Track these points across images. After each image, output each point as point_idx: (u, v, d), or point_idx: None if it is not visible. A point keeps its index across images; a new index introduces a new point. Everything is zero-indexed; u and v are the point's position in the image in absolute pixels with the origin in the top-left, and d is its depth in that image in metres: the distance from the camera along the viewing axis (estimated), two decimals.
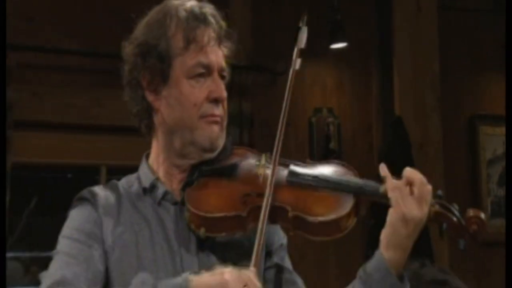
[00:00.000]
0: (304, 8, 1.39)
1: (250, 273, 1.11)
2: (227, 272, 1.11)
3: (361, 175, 3.25)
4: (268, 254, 1.35)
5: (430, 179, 2.98)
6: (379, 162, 3.04)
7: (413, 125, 3.62)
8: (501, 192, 3.92)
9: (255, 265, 1.14)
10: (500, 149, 3.95)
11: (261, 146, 3.36)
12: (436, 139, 3.64)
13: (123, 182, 1.39)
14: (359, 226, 2.97)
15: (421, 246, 3.34)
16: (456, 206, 1.19)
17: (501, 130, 3.71)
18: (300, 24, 1.31)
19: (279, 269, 1.36)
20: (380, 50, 3.85)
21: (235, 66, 3.17)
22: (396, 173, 3.05)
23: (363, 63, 3.86)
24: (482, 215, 1.20)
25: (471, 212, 1.20)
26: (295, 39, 1.33)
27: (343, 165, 1.31)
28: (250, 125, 3.66)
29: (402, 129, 3.54)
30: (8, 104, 2.73)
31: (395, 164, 2.99)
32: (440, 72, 3.72)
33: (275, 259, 1.35)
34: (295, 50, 1.32)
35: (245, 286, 1.09)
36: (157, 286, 1.19)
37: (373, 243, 1.45)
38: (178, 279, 1.17)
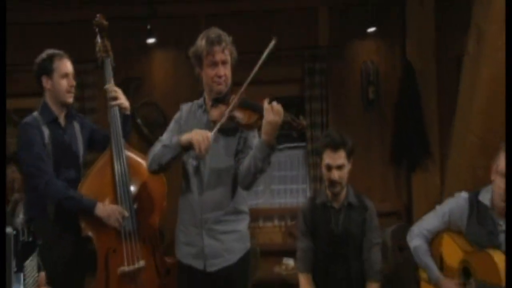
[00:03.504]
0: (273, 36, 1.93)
1: (208, 133, 1.90)
2: (196, 130, 1.94)
3: (389, 94, 4.43)
4: (243, 135, 2.06)
5: (429, 96, 4.21)
6: (399, 88, 4.31)
7: (417, 64, 4.16)
8: None
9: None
10: None
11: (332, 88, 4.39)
12: (432, 70, 4.13)
13: (196, 101, 2.20)
14: None
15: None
16: (300, 118, 1.87)
17: None
18: (270, 46, 1.95)
19: (245, 139, 2.07)
20: (399, 27, 4.33)
21: (320, 46, 4.39)
22: (405, 84, 4.22)
23: (389, 35, 4.39)
24: (304, 122, 1.86)
25: (298, 120, 1.84)
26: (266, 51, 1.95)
27: (267, 103, 1.84)
28: (326, 77, 4.35)
29: (411, 68, 4.16)
30: None
31: (407, 87, 4.22)
32: (436, 35, 4.11)
33: (244, 134, 2.07)
34: (265, 54, 1.95)
35: (202, 137, 1.86)
36: (172, 139, 2.06)
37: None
38: (176, 137, 2.02)
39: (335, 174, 2.21)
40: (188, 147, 1.98)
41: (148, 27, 4.26)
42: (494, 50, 2.74)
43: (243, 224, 2.16)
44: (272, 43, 1.91)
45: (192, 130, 2.05)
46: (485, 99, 2.85)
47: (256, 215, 4.25)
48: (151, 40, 4.35)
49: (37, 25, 4.41)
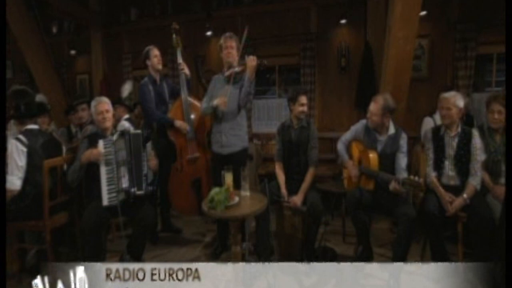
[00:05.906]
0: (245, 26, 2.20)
1: (224, 97, 2.49)
2: (219, 98, 2.51)
3: (355, 63, 4.54)
4: (242, 82, 2.47)
5: (379, 65, 3.81)
6: (361, 59, 4.42)
7: (373, 44, 4.30)
8: None
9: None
10: None
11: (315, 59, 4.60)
12: (382, 48, 3.62)
13: (221, 73, 2.65)
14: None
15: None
16: (264, 61, 2.34)
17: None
18: (245, 34, 2.30)
19: (243, 84, 2.48)
20: (362, 19, 4.47)
21: (311, 32, 4.65)
22: (365, 57, 4.33)
23: (355, 25, 4.57)
24: (266, 62, 2.25)
25: (264, 62, 2.26)
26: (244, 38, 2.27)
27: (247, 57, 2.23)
28: (314, 52, 4.50)
29: (369, 46, 4.35)
30: None
31: (366, 59, 4.40)
32: (385, 25, 3.56)
33: (242, 82, 2.47)
34: (243, 40, 2.32)
35: (221, 101, 2.46)
36: (209, 103, 2.56)
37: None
38: (211, 101, 2.56)
39: (305, 108, 2.65)
40: (217, 106, 2.65)
41: (207, 25, 4.98)
42: (396, 40, 3.25)
43: (242, 131, 2.74)
44: (246, 31, 2.35)
45: (217, 86, 2.58)
46: (393, 68, 3.39)
47: (271, 137, 4.83)
48: (209, 33, 5.04)
49: (151, 29, 5.32)
